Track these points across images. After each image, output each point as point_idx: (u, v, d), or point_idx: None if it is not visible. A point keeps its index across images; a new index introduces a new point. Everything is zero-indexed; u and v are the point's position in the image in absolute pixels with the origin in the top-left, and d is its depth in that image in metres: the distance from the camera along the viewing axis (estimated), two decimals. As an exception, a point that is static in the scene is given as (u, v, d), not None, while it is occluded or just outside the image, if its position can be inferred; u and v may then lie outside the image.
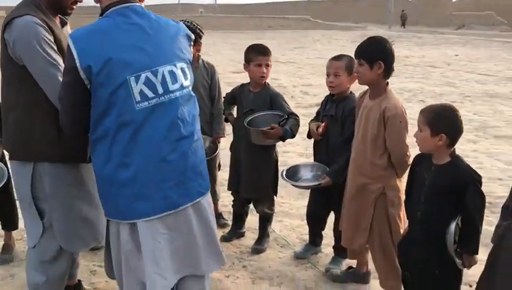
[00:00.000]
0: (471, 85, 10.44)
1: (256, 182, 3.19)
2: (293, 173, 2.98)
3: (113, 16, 1.88)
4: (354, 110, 2.78)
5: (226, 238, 3.41)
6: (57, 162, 2.20)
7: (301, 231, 3.58)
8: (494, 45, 21.43)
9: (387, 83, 2.57)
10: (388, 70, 2.52)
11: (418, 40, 23.82)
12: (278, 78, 10.50)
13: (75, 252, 2.50)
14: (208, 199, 2.08)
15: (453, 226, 2.12)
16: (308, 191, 3.24)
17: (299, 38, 25.63)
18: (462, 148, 5.71)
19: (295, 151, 5.38)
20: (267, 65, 3.15)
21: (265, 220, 3.34)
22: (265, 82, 3.21)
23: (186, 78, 1.95)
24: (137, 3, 1.93)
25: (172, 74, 1.89)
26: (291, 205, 4.13)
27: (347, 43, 21.39)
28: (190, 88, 1.98)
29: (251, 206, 3.45)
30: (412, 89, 9.81)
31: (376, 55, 2.48)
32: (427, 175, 2.22)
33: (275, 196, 3.33)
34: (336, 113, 2.92)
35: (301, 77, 11.19)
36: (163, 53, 1.90)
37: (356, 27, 35.65)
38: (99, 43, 1.82)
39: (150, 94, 1.84)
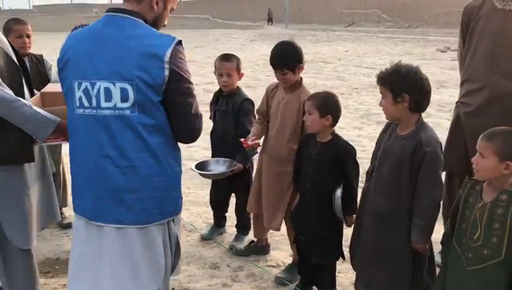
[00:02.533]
0: (358, 78, 11.42)
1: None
2: (203, 167, 3.20)
3: (100, 20, 1.95)
4: (244, 103, 3.18)
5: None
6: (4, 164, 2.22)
7: (207, 216, 3.91)
8: (380, 40, 23.27)
9: (301, 78, 2.94)
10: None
11: (312, 37, 25.17)
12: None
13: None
14: (147, 235, 1.93)
15: (339, 191, 2.53)
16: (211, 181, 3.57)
17: (199, 37, 25.88)
18: (348, 134, 6.41)
19: (200, 146, 5.70)
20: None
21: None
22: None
23: (124, 100, 1.83)
24: (120, 15, 1.90)
25: (108, 91, 1.84)
26: (197, 194, 4.44)
27: (246, 41, 22.07)
28: (128, 112, 1.83)
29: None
30: (307, 83, 10.49)
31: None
32: (313, 152, 2.64)
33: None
34: (227, 108, 3.28)
35: (203, 75, 11.48)
36: (106, 68, 1.84)
37: (255, 26, 36.65)
38: (72, 42, 1.96)
39: (86, 103, 1.87)
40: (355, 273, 2.58)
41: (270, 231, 3.28)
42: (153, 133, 1.87)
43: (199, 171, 3.11)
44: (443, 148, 2.36)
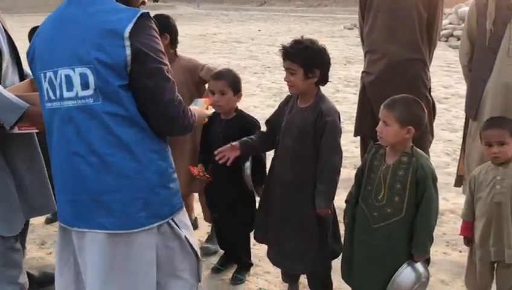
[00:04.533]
0: (271, 57, 11.57)
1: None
2: None
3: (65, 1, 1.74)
4: None
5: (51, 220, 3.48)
6: None
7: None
8: (291, 19, 23.66)
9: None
10: None
11: (225, 17, 25.02)
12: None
13: None
14: (133, 244, 1.69)
15: (248, 163, 2.57)
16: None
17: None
18: (262, 112, 6.48)
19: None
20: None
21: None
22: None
23: (85, 87, 1.61)
24: None
25: (69, 79, 1.62)
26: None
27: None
28: (91, 101, 1.62)
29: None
30: (220, 63, 10.49)
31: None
32: (219, 129, 2.67)
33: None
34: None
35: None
36: (66, 52, 1.63)
37: (166, 6, 35.73)
38: (39, 30, 1.77)
39: (52, 96, 1.68)
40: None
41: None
42: (123, 124, 1.63)
43: None
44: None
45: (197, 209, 3.45)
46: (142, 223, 1.68)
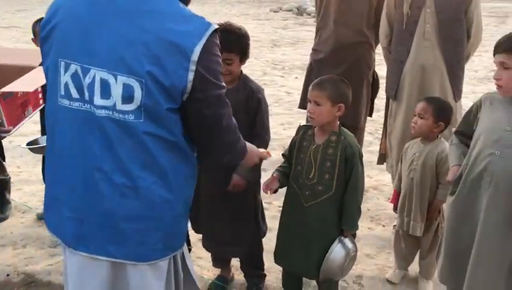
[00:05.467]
0: (198, 40, 11.43)
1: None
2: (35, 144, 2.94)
3: None
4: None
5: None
6: None
7: (42, 194, 3.60)
8: (217, 2, 23.41)
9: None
10: None
11: None
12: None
13: None
14: (142, 275, 1.47)
15: None
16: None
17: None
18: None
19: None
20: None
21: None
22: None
23: (127, 101, 1.33)
24: None
25: (105, 85, 1.33)
26: (29, 172, 4.10)
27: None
28: (132, 118, 1.34)
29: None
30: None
31: None
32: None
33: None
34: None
35: (28, 42, 10.42)
36: (107, 51, 1.33)
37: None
38: (62, 2, 1.43)
39: (74, 94, 1.38)
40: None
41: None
42: (163, 147, 1.39)
43: (30, 147, 2.83)
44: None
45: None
46: (156, 256, 1.48)
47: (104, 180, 1.38)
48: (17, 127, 2.32)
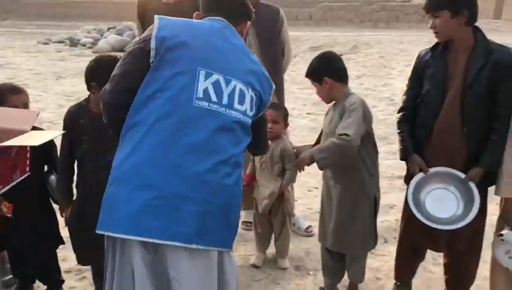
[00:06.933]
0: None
1: None
2: None
3: (212, 21, 1.83)
4: None
5: None
6: None
7: None
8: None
9: None
10: None
11: None
12: None
13: None
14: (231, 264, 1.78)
15: (52, 177, 2.53)
16: None
17: None
18: None
19: None
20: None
21: None
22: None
23: (251, 110, 1.79)
24: (232, 28, 1.83)
25: (242, 94, 1.73)
26: None
27: None
28: (250, 121, 1.80)
29: None
30: None
31: None
32: None
33: None
34: None
35: None
36: (241, 69, 1.76)
37: None
38: (183, 28, 1.74)
39: (213, 97, 1.67)
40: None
41: None
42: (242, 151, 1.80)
43: None
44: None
45: None
46: (232, 243, 1.76)
47: (228, 175, 1.68)
48: (5, 188, 2.05)
